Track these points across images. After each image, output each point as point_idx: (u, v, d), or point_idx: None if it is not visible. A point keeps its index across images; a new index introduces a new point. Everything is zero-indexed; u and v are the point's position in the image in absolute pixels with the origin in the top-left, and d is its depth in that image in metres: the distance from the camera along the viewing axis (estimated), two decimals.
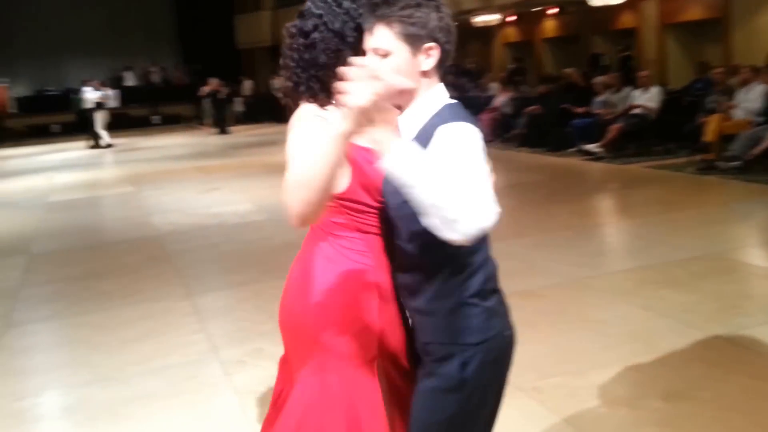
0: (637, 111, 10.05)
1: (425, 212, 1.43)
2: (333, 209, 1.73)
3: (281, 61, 1.81)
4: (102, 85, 18.22)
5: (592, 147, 9.97)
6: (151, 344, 4.16)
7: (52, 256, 6.63)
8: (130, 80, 24.67)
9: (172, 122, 22.27)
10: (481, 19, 17.57)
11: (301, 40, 1.75)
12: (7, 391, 3.62)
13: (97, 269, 6.01)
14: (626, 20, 14.31)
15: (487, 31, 19.51)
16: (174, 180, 10.87)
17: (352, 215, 1.75)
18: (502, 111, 12.76)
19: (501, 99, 13.00)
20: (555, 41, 17.62)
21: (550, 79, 12.96)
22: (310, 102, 1.75)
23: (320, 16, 1.73)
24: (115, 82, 23.67)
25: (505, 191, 8.26)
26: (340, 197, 1.72)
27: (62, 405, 3.45)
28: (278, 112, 20.86)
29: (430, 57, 1.63)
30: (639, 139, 9.95)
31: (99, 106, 17.24)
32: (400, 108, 1.67)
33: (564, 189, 8.38)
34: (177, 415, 3.29)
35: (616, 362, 3.51)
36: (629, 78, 11.34)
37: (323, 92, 1.73)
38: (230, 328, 4.33)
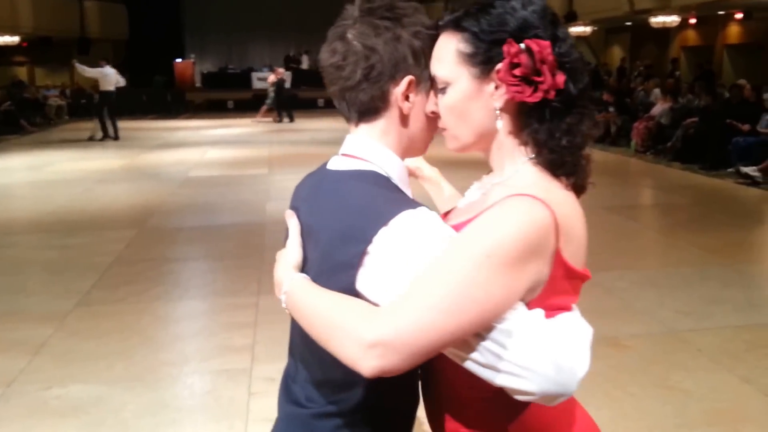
0: None
1: None
2: None
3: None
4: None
5: (750, 170, 8.80)
6: (197, 345, 4.08)
7: (159, 234, 6.82)
8: (305, 64, 25.21)
9: (334, 106, 22.72)
10: (659, 20, 16.46)
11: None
12: (43, 376, 3.65)
13: (190, 252, 6.11)
14: None
15: (665, 32, 18.18)
16: (308, 165, 10.91)
17: None
18: (659, 120, 11.71)
19: (659, 108, 11.94)
20: (738, 48, 16.00)
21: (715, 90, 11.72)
22: None
23: None
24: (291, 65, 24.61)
25: (631, 211, 7.64)
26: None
27: (75, 403, 3.37)
28: None
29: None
30: None
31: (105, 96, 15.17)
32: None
33: (705, 215, 7.43)
34: None
35: None
36: None
37: None
38: (279, 337, 4.16)
